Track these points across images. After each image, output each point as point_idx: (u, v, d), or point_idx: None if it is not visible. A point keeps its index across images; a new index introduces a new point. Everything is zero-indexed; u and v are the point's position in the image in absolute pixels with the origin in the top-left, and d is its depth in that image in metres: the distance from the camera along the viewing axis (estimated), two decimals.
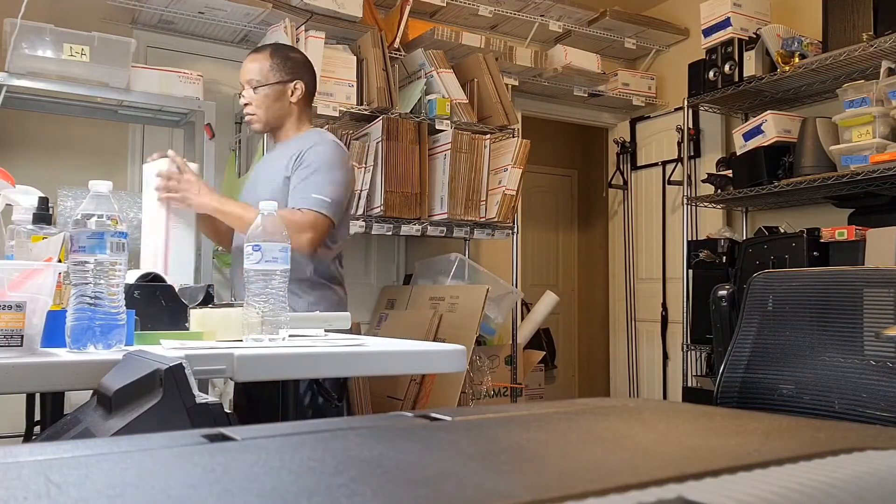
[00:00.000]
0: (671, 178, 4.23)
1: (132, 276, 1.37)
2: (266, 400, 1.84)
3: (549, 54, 3.99)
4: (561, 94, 4.31)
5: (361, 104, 3.25)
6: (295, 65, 2.12)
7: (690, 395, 3.63)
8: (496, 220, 3.41)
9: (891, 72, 2.96)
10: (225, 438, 0.53)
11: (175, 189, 1.86)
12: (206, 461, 0.46)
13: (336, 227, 1.99)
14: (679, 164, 4.12)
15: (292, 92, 2.10)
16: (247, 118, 2.13)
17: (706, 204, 3.85)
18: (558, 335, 5.33)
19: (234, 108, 3.42)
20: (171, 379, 0.82)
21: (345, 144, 3.10)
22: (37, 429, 1.80)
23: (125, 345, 1.16)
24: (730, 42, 3.53)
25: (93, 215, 1.13)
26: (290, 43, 3.01)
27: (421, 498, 0.37)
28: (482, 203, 3.39)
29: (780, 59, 3.34)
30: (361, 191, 3.16)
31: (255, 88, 2.06)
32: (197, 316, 1.39)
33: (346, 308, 2.14)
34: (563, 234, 5.92)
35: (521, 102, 4.25)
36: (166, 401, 0.81)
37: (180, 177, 1.87)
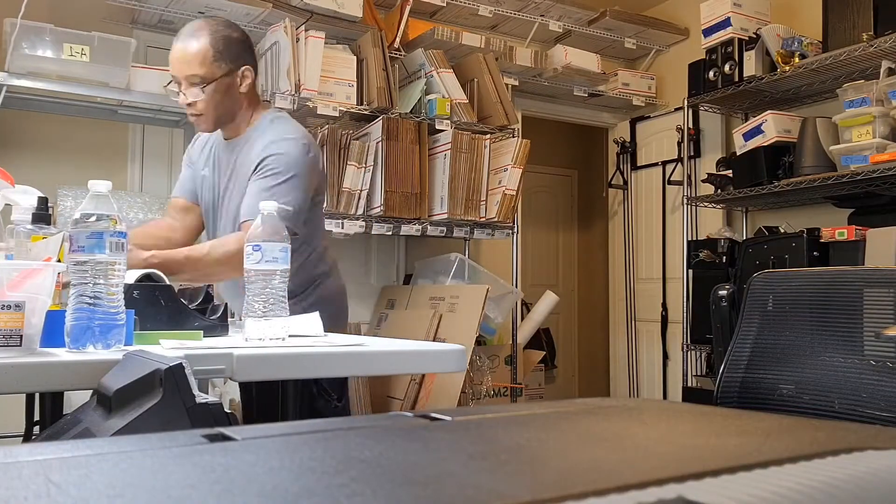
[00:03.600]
0: (671, 178, 4.23)
1: (132, 276, 1.37)
2: (264, 399, 1.83)
3: (549, 54, 3.99)
4: (561, 94, 4.31)
5: (361, 104, 3.25)
6: (239, 48, 1.81)
7: (690, 395, 3.63)
8: (496, 220, 3.41)
9: (891, 72, 2.95)
10: (225, 438, 0.53)
11: None
12: (206, 461, 0.46)
13: (302, 231, 1.79)
14: (679, 164, 4.12)
15: (241, 81, 1.81)
16: (191, 119, 1.84)
17: (706, 204, 3.85)
18: (558, 335, 5.33)
19: None
20: (171, 379, 0.82)
21: (345, 144, 3.12)
22: (37, 429, 1.80)
23: (125, 345, 1.15)
24: (730, 42, 3.52)
25: (92, 215, 1.13)
26: (290, 42, 3.01)
27: (421, 498, 0.37)
28: (482, 203, 3.38)
29: (780, 59, 3.34)
30: (361, 191, 3.16)
31: (201, 87, 1.76)
32: None
33: (345, 295, 2.09)
34: (563, 234, 5.92)
35: (521, 102, 4.25)
36: (166, 401, 0.81)
37: None
